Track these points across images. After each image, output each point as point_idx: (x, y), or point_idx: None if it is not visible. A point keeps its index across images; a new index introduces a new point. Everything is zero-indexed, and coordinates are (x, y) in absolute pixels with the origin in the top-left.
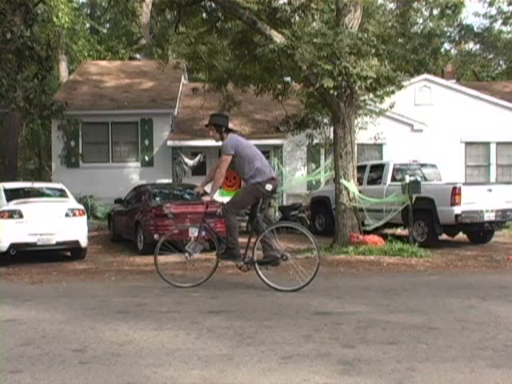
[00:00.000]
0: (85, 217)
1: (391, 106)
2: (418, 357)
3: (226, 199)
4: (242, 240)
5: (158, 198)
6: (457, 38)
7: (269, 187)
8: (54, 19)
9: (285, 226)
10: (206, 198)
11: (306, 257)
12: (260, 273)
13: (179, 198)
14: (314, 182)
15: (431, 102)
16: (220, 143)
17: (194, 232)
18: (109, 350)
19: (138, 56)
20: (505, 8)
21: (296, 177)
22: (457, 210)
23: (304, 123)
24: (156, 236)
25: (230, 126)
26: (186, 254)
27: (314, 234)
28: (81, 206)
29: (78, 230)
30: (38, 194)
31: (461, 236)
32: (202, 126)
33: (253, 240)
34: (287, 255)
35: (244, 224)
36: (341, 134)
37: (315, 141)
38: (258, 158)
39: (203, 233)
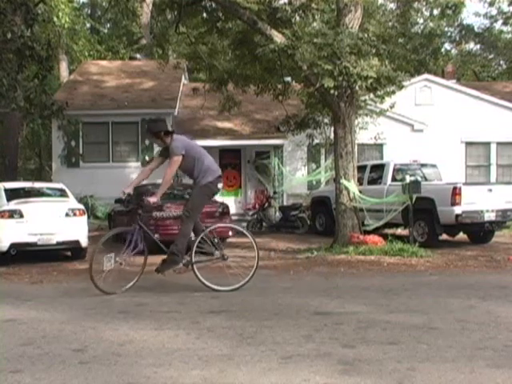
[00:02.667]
0: (85, 217)
1: (391, 106)
2: (419, 357)
3: (226, 199)
4: (240, 240)
5: None
6: (457, 38)
7: (220, 185)
8: (55, 19)
9: (212, 229)
10: (153, 199)
11: (307, 257)
12: (198, 273)
13: (180, 197)
14: (314, 182)
15: (431, 102)
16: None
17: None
18: (109, 349)
19: (138, 56)
20: (505, 8)
21: (296, 177)
22: (457, 210)
23: (304, 123)
24: (156, 236)
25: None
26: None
27: (314, 233)
28: (81, 206)
29: (78, 230)
30: (39, 193)
31: (461, 236)
32: (203, 126)
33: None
34: (226, 255)
35: (244, 224)
36: (341, 134)
37: (316, 141)
38: (206, 156)
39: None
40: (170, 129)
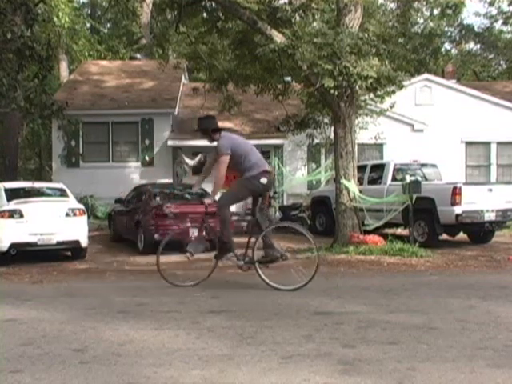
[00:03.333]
0: (85, 216)
1: (392, 106)
2: (419, 357)
3: None
4: (241, 240)
5: (158, 198)
6: (457, 38)
7: (263, 180)
8: (55, 19)
9: (285, 225)
10: (208, 201)
11: (307, 257)
12: (260, 272)
13: (180, 197)
14: (314, 182)
15: (432, 102)
16: (215, 143)
17: (194, 232)
18: (109, 349)
19: (138, 56)
20: (505, 8)
21: (296, 177)
22: (457, 209)
23: (304, 123)
24: (156, 236)
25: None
26: (188, 254)
27: (314, 233)
28: (81, 206)
29: (78, 230)
30: (39, 193)
31: (461, 236)
32: None
33: (253, 239)
34: (287, 255)
35: (244, 224)
36: (341, 134)
37: (316, 141)
38: (253, 153)
39: (204, 233)
40: (217, 126)
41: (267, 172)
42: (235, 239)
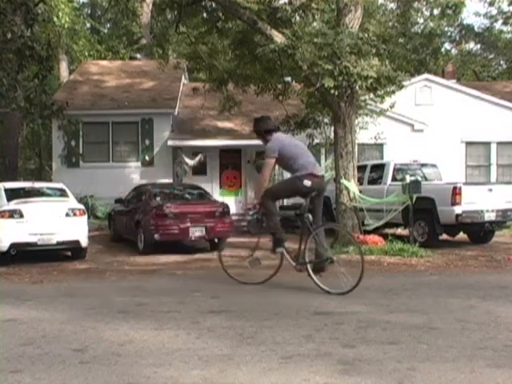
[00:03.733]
0: (85, 216)
1: (392, 106)
2: (419, 357)
3: (226, 199)
4: (240, 240)
5: (158, 198)
6: (457, 38)
7: (307, 182)
8: (55, 19)
9: (332, 227)
10: (255, 202)
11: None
12: (312, 275)
13: (180, 197)
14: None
15: (432, 102)
16: None
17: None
18: (109, 349)
19: (138, 56)
20: (505, 8)
21: None
22: (457, 209)
23: (304, 123)
24: (156, 236)
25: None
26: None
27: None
28: (81, 206)
29: (78, 230)
30: (39, 193)
31: (461, 236)
32: (203, 126)
33: (304, 240)
34: (333, 258)
35: (245, 224)
36: (341, 134)
37: (316, 141)
38: (301, 156)
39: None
40: (270, 127)
41: (313, 175)
42: (235, 239)
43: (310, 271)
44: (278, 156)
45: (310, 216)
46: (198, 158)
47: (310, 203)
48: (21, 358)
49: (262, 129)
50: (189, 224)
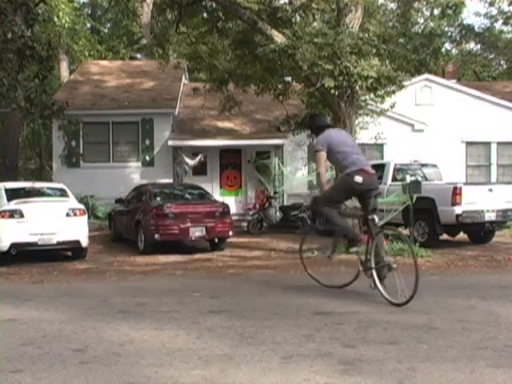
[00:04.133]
0: (85, 216)
1: (392, 106)
2: (419, 357)
3: (226, 199)
4: (240, 240)
5: (158, 198)
6: (457, 38)
7: (358, 179)
8: (55, 19)
9: (393, 233)
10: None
11: (307, 256)
12: (377, 281)
13: (180, 197)
14: (314, 182)
15: (432, 102)
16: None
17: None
18: (109, 349)
19: (138, 56)
20: (505, 8)
21: (297, 177)
22: (457, 209)
23: (305, 123)
24: (157, 236)
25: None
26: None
27: (315, 234)
28: (81, 206)
29: (78, 230)
30: (39, 193)
31: (461, 236)
32: (203, 126)
33: (369, 244)
34: (393, 265)
35: (245, 224)
36: None
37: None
38: (352, 153)
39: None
40: (321, 124)
41: (364, 171)
42: (236, 239)
43: (376, 278)
44: (327, 151)
45: (376, 218)
46: (198, 158)
47: (365, 203)
48: (21, 358)
49: (315, 125)
50: (189, 224)
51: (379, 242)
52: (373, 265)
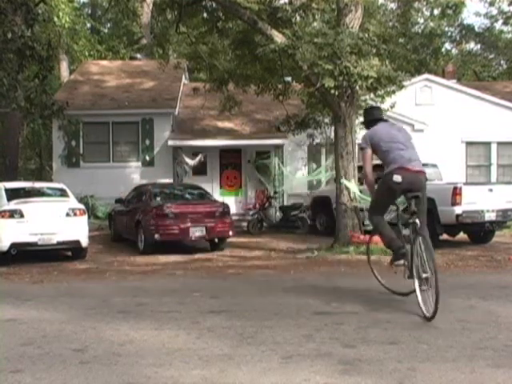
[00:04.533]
0: (85, 216)
1: (392, 106)
2: (419, 357)
3: (226, 199)
4: (240, 240)
5: (158, 198)
6: (458, 38)
7: (396, 178)
8: (55, 19)
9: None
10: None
11: (307, 256)
12: (418, 291)
13: (180, 197)
14: (314, 182)
15: (432, 102)
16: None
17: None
18: (109, 349)
19: (138, 56)
20: (505, 8)
21: (297, 177)
22: (457, 209)
23: (305, 123)
24: (157, 236)
25: (222, 125)
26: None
27: (314, 233)
28: (81, 206)
29: (78, 230)
30: (39, 193)
31: (461, 236)
32: (203, 126)
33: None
34: (428, 275)
35: (245, 224)
36: (342, 134)
37: (316, 141)
38: (396, 148)
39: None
40: (371, 118)
41: (405, 169)
42: (236, 239)
43: (417, 287)
44: (372, 148)
45: (418, 221)
46: (198, 158)
47: (410, 205)
48: (21, 358)
49: (366, 119)
50: (189, 224)
51: (420, 248)
52: (414, 273)
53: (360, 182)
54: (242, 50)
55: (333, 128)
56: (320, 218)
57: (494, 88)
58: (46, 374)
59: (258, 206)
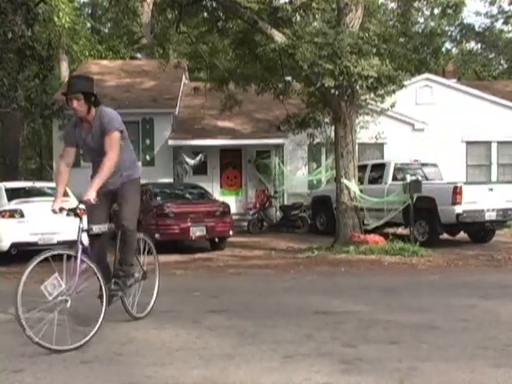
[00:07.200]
0: (86, 216)
1: (392, 106)
2: (419, 356)
3: (226, 199)
4: (240, 240)
5: (159, 198)
6: (458, 38)
7: None
8: (55, 19)
9: None
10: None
11: (307, 256)
12: None
13: (180, 197)
14: (314, 182)
15: (432, 102)
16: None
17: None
18: (110, 349)
19: (139, 55)
20: (506, 7)
21: (297, 176)
22: (458, 209)
23: (305, 122)
24: (157, 236)
25: (228, 124)
26: None
27: (315, 233)
28: (82, 206)
29: None
30: (39, 193)
31: (462, 235)
32: (204, 126)
33: None
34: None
35: (245, 223)
36: (342, 134)
37: (316, 140)
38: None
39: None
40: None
41: None
42: (236, 238)
43: None
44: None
45: None
46: (198, 158)
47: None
48: (22, 358)
49: (94, 92)
50: (189, 223)
51: None
52: None
53: (360, 181)
54: (242, 50)
55: (333, 127)
56: (320, 217)
57: (495, 87)
58: (46, 373)
59: (258, 205)
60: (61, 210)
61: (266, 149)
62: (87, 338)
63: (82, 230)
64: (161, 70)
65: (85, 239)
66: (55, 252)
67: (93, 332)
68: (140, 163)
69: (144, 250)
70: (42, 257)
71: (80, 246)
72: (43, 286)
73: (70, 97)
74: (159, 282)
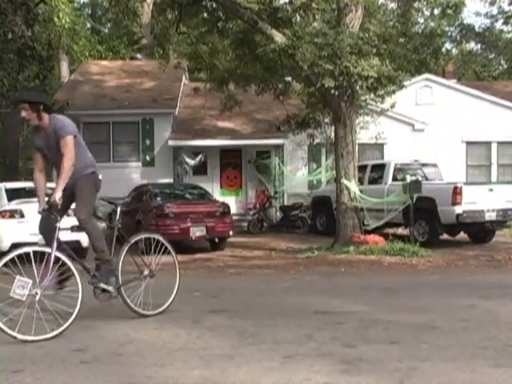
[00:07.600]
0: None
1: (392, 106)
2: (419, 356)
3: (227, 199)
4: (239, 240)
5: (159, 198)
6: (458, 38)
7: None
8: (55, 19)
9: None
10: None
11: (307, 256)
12: None
13: (180, 197)
14: (314, 182)
15: (432, 102)
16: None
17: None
18: (110, 349)
19: (139, 56)
20: (506, 8)
21: (297, 176)
22: (458, 209)
23: (305, 123)
24: None
25: (228, 124)
26: None
27: (315, 233)
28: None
29: None
30: None
31: (462, 236)
32: (204, 126)
33: None
34: None
35: (245, 224)
36: (342, 134)
37: (316, 140)
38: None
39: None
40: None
41: None
42: (236, 239)
43: None
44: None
45: None
46: (198, 158)
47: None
48: (22, 358)
49: (43, 101)
50: (189, 224)
51: None
52: None
53: (360, 181)
54: (242, 50)
55: (333, 128)
56: (320, 217)
57: (495, 88)
58: (46, 373)
59: (258, 205)
60: (44, 211)
61: (266, 149)
62: (67, 324)
63: (59, 229)
64: (161, 71)
65: (61, 236)
66: (29, 249)
67: (73, 317)
68: (140, 163)
69: (156, 249)
70: (16, 253)
71: (55, 244)
72: (11, 292)
73: (18, 107)
74: (179, 281)
